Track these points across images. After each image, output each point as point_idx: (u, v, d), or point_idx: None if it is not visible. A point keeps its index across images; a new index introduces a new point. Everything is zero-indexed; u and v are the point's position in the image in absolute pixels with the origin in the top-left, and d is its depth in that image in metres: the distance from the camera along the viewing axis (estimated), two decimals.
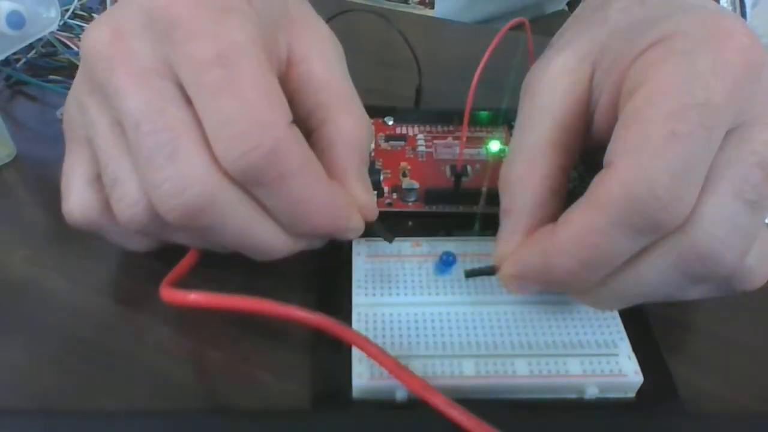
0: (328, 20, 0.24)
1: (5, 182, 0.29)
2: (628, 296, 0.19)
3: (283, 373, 0.21)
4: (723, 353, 0.22)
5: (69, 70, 0.35)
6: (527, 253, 0.20)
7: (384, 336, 0.21)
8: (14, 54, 0.33)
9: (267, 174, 0.19)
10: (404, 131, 0.30)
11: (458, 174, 0.26)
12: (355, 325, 0.21)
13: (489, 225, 0.23)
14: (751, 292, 0.20)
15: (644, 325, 0.22)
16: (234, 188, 0.19)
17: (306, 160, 0.20)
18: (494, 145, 0.29)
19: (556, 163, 0.21)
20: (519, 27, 0.23)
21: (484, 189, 0.25)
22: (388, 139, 0.29)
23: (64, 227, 0.22)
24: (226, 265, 0.22)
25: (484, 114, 0.30)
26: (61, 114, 0.24)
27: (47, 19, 0.32)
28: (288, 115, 0.19)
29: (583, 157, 0.22)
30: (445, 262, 0.22)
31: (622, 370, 0.20)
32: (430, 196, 0.26)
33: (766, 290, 0.20)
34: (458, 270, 0.23)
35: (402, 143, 0.29)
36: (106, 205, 0.21)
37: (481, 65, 0.22)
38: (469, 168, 0.28)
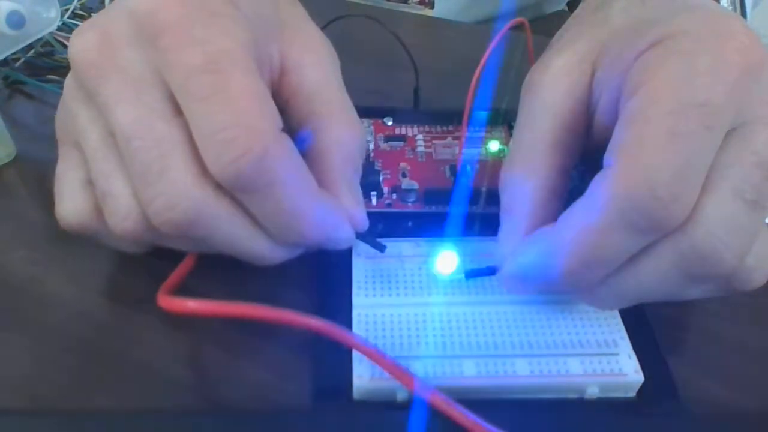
0: (323, 27, 0.24)
1: (5, 182, 0.29)
2: (628, 296, 0.19)
3: (283, 373, 0.21)
4: (723, 353, 0.22)
5: (67, 70, 0.35)
6: (527, 253, 0.20)
7: (384, 336, 0.21)
8: (12, 54, 0.33)
9: (256, 181, 0.18)
10: (403, 132, 0.30)
11: (458, 174, 0.26)
12: (355, 325, 0.21)
13: (489, 225, 0.23)
14: (751, 291, 0.20)
15: (644, 325, 0.22)
16: (223, 200, 0.19)
17: (296, 168, 0.20)
18: (494, 145, 0.29)
19: (556, 164, 0.21)
20: (519, 27, 0.23)
21: (484, 189, 0.25)
22: (387, 139, 0.29)
23: None
24: (225, 266, 0.22)
25: (483, 114, 0.30)
26: None
27: (47, 19, 0.32)
28: (278, 122, 0.19)
29: (583, 157, 0.22)
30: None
31: (622, 370, 0.20)
32: (429, 196, 0.26)
33: (767, 290, 0.20)
34: (458, 270, 0.22)
35: (401, 144, 0.29)
36: (100, 210, 0.21)
37: (481, 65, 0.22)
38: (468, 168, 0.28)
